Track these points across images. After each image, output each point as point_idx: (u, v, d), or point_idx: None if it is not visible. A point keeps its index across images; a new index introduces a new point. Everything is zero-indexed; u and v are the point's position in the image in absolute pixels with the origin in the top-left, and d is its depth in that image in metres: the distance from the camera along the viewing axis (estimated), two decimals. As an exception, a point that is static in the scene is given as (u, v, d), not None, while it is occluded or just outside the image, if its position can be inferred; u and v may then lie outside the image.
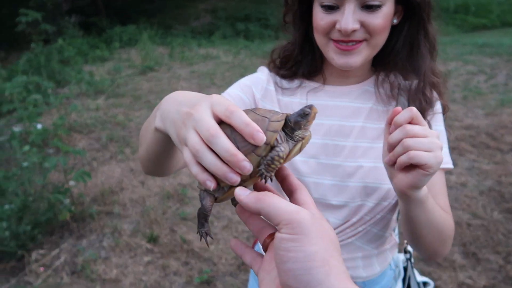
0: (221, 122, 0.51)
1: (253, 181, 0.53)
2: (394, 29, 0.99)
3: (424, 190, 0.80)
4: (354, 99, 1.06)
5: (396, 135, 0.74)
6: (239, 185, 0.51)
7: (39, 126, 3.73)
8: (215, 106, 0.51)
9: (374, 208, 1.00)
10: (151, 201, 3.53)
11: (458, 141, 4.35)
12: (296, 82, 1.10)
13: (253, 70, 1.18)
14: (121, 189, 3.73)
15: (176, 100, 0.58)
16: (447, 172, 0.93)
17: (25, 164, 3.23)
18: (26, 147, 3.36)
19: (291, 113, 0.56)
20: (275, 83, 1.11)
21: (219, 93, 0.91)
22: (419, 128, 0.72)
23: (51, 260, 2.82)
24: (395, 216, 1.09)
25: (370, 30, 0.91)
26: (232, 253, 2.82)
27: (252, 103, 1.08)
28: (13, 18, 6.22)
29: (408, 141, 0.72)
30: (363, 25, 0.91)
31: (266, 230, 0.55)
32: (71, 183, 3.48)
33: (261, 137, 0.48)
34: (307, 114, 0.54)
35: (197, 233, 0.63)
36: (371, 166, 0.99)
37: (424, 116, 0.97)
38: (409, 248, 1.24)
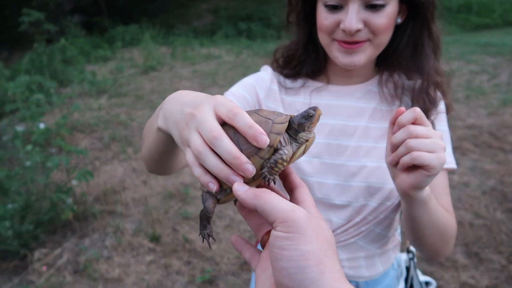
0: (224, 124, 0.51)
1: (256, 183, 0.53)
2: (398, 29, 0.99)
3: (427, 190, 0.80)
4: (357, 99, 1.06)
5: (399, 135, 0.74)
6: None
7: (41, 125, 3.72)
8: (218, 107, 0.51)
9: (377, 208, 1.00)
10: (153, 200, 3.53)
11: (461, 141, 4.33)
12: (299, 82, 1.10)
13: (255, 69, 1.18)
14: (123, 188, 3.73)
15: (179, 100, 0.58)
16: (450, 171, 0.93)
17: (27, 163, 3.23)
18: (29, 147, 3.37)
19: (295, 114, 0.56)
20: (279, 83, 1.11)
21: (222, 93, 0.91)
22: (423, 129, 0.72)
23: (54, 259, 2.83)
24: (398, 216, 1.09)
25: (373, 30, 0.91)
26: (234, 253, 2.82)
27: (256, 102, 1.08)
28: (15, 18, 6.25)
29: (411, 142, 0.72)
30: (367, 24, 0.91)
31: (264, 227, 0.55)
32: (74, 182, 3.48)
33: (264, 139, 0.48)
34: (311, 116, 0.53)
35: (199, 235, 0.63)
36: (374, 166, 0.99)
37: (427, 116, 0.97)
38: (412, 248, 1.24)
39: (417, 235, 0.91)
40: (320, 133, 1.02)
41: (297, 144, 0.54)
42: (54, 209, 3.08)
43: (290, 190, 0.56)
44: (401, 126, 0.74)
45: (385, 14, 0.90)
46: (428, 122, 0.74)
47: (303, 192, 0.54)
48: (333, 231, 1.04)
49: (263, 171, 0.51)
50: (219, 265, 2.74)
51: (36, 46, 6.77)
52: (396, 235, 1.15)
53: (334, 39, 0.96)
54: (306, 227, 0.45)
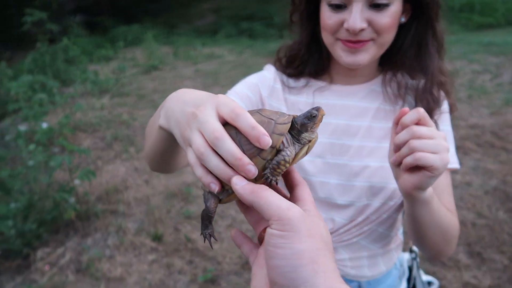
0: (226, 123, 0.50)
1: (258, 184, 0.53)
2: (401, 28, 0.98)
3: (429, 190, 0.80)
4: (361, 98, 1.06)
5: (402, 136, 0.74)
6: None
7: (44, 125, 3.74)
8: (220, 107, 0.50)
9: (380, 207, 1.00)
10: (155, 200, 3.53)
11: (463, 140, 4.32)
12: (302, 81, 1.10)
13: (257, 69, 1.18)
14: (126, 188, 3.74)
15: (181, 99, 0.57)
16: (453, 171, 0.93)
17: (30, 163, 3.24)
18: (32, 146, 3.38)
19: (298, 113, 0.55)
20: (282, 82, 1.11)
21: (224, 92, 0.91)
22: (426, 130, 0.72)
23: (57, 259, 2.84)
24: (400, 215, 1.08)
25: (377, 29, 0.91)
26: (236, 252, 2.82)
27: (259, 101, 1.07)
28: (18, 18, 6.26)
29: (414, 143, 0.72)
30: (370, 24, 0.90)
31: (262, 223, 0.55)
32: (76, 182, 3.49)
33: (267, 140, 0.47)
34: (314, 116, 0.53)
35: (200, 235, 0.63)
36: (377, 165, 0.99)
37: (431, 116, 0.97)
38: (415, 247, 1.23)
39: (420, 235, 0.91)
40: (323, 132, 1.01)
41: (300, 144, 0.53)
42: (56, 208, 3.09)
43: (290, 188, 0.56)
44: (405, 127, 0.74)
45: (389, 13, 0.90)
46: (431, 123, 0.74)
47: (303, 190, 0.54)
48: (335, 231, 1.04)
49: (265, 172, 0.50)
50: (221, 264, 2.74)
51: (38, 46, 6.79)
52: (399, 235, 1.14)
53: (337, 39, 0.95)
54: (301, 225, 0.45)
